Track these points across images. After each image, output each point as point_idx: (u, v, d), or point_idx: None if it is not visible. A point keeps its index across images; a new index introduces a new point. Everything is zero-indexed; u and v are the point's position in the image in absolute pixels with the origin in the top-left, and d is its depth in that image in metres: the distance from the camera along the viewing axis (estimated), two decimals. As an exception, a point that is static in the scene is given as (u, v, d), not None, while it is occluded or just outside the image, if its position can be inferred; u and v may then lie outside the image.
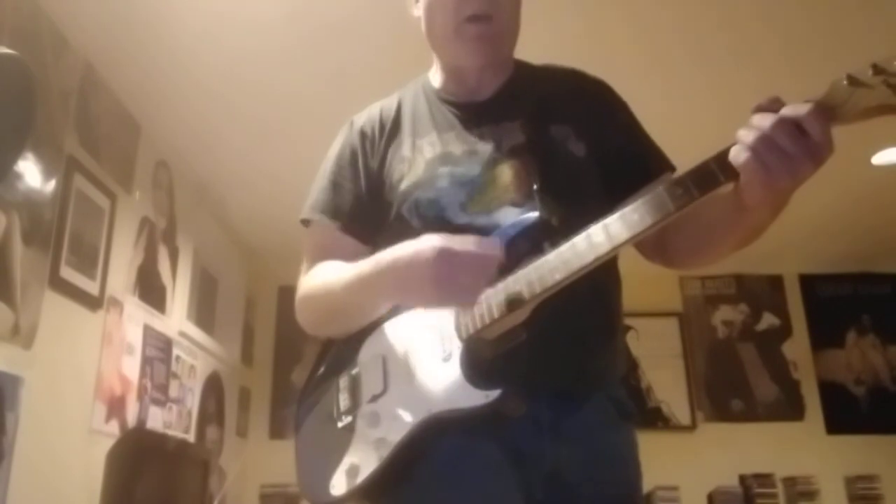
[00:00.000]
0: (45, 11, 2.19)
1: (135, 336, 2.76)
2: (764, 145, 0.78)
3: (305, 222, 1.21)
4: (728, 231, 0.96)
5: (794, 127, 0.77)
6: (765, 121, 0.79)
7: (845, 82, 0.77)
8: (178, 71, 2.58)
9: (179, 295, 3.26)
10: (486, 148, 1.10)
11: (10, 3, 2.04)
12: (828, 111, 0.77)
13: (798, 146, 0.77)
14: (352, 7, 2.29)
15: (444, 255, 0.90)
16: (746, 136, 0.79)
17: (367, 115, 1.23)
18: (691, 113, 2.82)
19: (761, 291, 4.74)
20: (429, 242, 0.92)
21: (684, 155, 1.14)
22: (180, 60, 2.52)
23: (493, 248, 0.91)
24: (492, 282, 0.93)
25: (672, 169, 1.14)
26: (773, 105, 0.80)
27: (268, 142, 3.01)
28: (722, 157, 0.82)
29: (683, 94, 2.76)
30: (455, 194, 1.07)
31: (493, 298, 0.93)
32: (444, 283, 0.89)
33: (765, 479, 4.13)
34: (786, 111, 0.78)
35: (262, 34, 2.41)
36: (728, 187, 0.83)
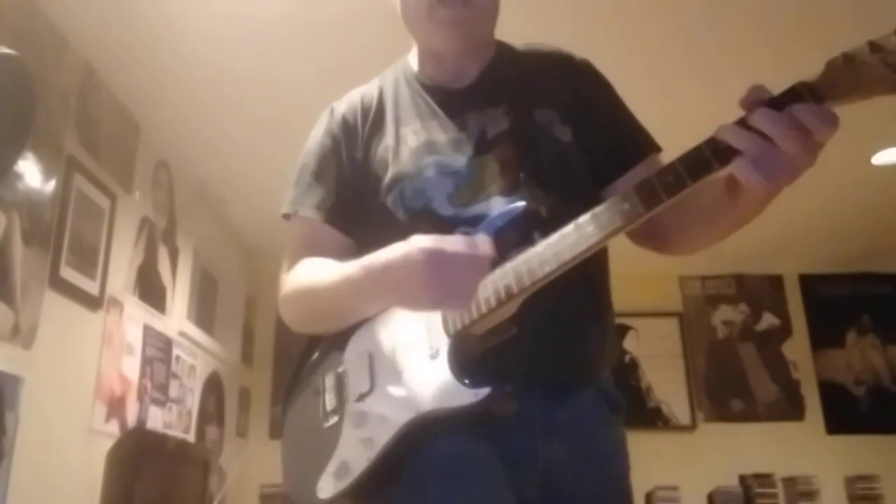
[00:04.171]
0: (45, 11, 2.19)
1: (135, 336, 2.76)
2: (764, 149, 0.75)
3: (286, 216, 1.16)
4: (717, 220, 0.94)
5: (797, 127, 0.74)
6: (764, 123, 0.75)
7: (842, 61, 0.74)
8: (178, 71, 2.58)
9: (179, 295, 3.25)
10: (470, 136, 1.07)
11: (10, 3, 2.03)
12: (827, 92, 0.75)
13: (798, 146, 0.74)
14: (356, 5, 2.29)
15: (435, 256, 0.86)
16: (744, 139, 0.76)
17: (348, 102, 1.19)
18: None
19: (761, 291, 4.74)
20: (418, 244, 0.88)
21: (665, 141, 1.13)
22: (180, 60, 2.52)
23: (483, 246, 0.89)
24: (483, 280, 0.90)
25: (658, 150, 1.12)
26: (758, 95, 0.77)
27: (268, 142, 3.01)
28: (715, 143, 0.80)
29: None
30: (441, 185, 1.04)
31: (481, 292, 0.91)
32: (437, 285, 0.86)
33: (765, 479, 4.13)
34: (800, 117, 0.74)
35: (262, 33, 2.41)
36: (720, 173, 0.81)
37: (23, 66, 1.83)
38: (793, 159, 0.75)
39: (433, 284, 0.86)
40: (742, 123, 0.77)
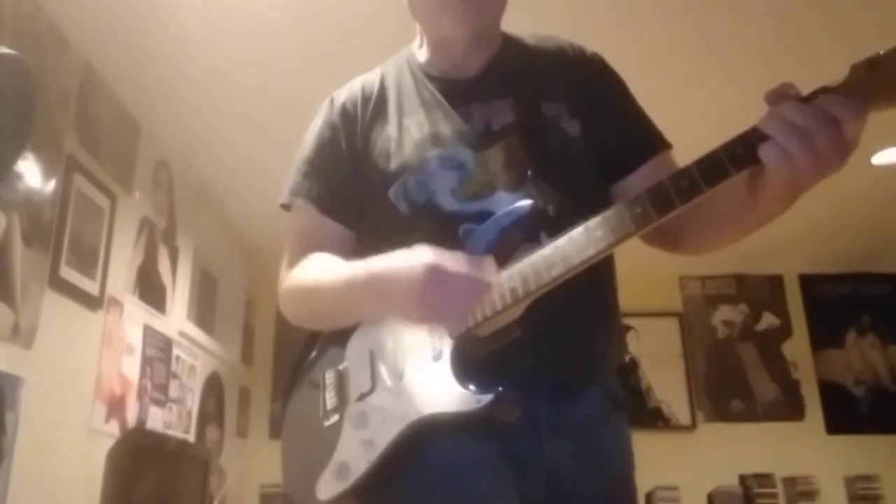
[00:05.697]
0: (45, 11, 2.19)
1: (135, 336, 2.76)
2: (801, 145, 0.73)
3: (285, 206, 1.14)
4: (735, 222, 0.92)
5: (834, 125, 0.72)
6: (803, 118, 0.73)
7: (866, 66, 0.72)
8: (178, 71, 2.58)
9: (179, 295, 3.25)
10: (476, 128, 1.05)
11: (10, 3, 2.03)
12: (863, 103, 0.72)
13: (833, 145, 0.72)
14: (352, 6, 2.29)
15: (434, 273, 0.84)
16: (777, 129, 0.74)
17: (348, 91, 1.16)
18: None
19: (761, 291, 4.74)
20: (421, 258, 0.86)
21: (677, 141, 1.11)
22: (180, 60, 2.52)
23: (487, 270, 0.86)
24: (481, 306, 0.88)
25: (668, 147, 1.10)
26: (787, 91, 0.75)
27: (268, 142, 3.00)
28: (732, 148, 0.78)
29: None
30: (445, 178, 1.01)
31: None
32: (430, 303, 0.85)
33: (765, 479, 4.13)
34: (827, 107, 0.73)
35: (262, 34, 2.41)
36: (737, 179, 0.79)
37: (23, 66, 1.83)
38: (821, 152, 0.73)
39: (427, 301, 0.85)
40: (772, 113, 0.75)
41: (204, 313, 3.85)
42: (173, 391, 3.10)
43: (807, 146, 0.73)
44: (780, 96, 0.76)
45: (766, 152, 0.75)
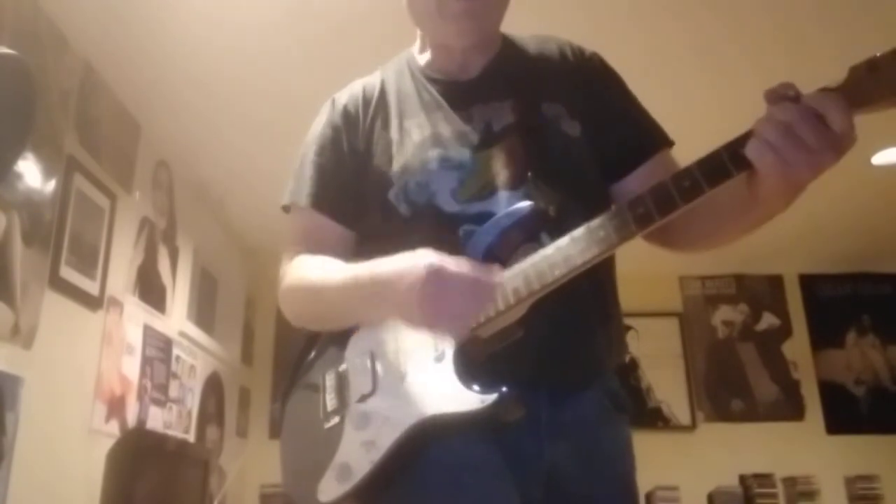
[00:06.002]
0: (45, 11, 2.19)
1: (135, 336, 2.76)
2: (785, 140, 0.74)
3: (286, 208, 1.15)
4: (736, 221, 0.92)
5: (817, 119, 0.73)
6: (786, 114, 0.74)
7: (865, 68, 0.72)
8: (179, 71, 2.58)
9: (179, 295, 3.25)
10: (476, 129, 1.05)
11: (10, 3, 2.03)
12: (851, 99, 0.73)
13: (821, 139, 0.73)
14: (352, 6, 2.29)
15: (436, 273, 0.84)
16: (766, 129, 0.75)
17: (349, 93, 1.17)
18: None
19: (761, 291, 4.74)
20: (423, 259, 0.86)
21: (680, 142, 1.12)
22: (180, 60, 2.52)
23: (491, 274, 0.86)
24: (486, 311, 0.87)
25: (670, 144, 1.10)
26: (786, 91, 0.76)
27: (268, 142, 3.00)
28: (734, 148, 0.78)
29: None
30: (445, 179, 1.01)
31: None
32: (429, 304, 0.84)
33: (765, 479, 4.14)
34: (810, 102, 0.74)
35: (262, 34, 2.41)
36: (739, 179, 0.79)
37: (23, 66, 1.83)
38: (809, 147, 0.74)
39: (427, 301, 0.84)
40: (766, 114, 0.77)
41: (204, 313, 3.85)
42: (173, 391, 3.10)
43: (792, 141, 0.74)
44: (779, 96, 0.77)
45: (750, 149, 0.77)
